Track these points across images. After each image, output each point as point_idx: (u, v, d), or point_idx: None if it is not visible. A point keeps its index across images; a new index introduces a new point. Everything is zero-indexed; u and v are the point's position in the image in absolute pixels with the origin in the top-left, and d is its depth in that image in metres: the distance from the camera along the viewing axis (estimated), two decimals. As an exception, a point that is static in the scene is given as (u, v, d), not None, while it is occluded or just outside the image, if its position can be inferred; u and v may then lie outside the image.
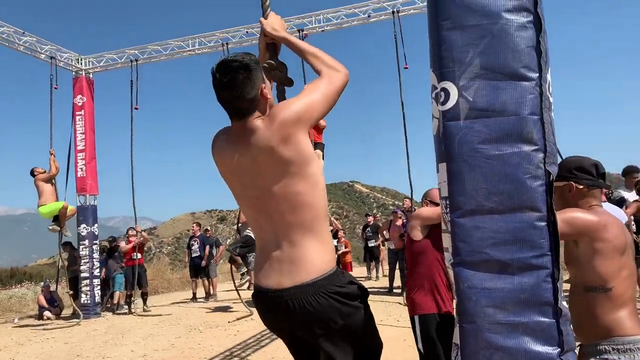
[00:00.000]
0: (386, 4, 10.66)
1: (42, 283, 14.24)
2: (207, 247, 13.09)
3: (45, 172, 10.12)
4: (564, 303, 1.87)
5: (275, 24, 2.21)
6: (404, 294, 8.47)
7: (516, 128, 1.84)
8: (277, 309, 1.96)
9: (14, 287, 19.48)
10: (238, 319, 9.48)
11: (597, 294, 2.19)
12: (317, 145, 9.45)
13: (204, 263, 12.87)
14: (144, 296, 12.05)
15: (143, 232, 12.48)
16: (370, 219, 15.03)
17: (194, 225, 14.03)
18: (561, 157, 2.38)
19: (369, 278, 14.34)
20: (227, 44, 11.16)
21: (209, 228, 16.20)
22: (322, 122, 9.64)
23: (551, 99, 1.92)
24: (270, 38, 2.20)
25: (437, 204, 3.69)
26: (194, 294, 13.17)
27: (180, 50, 11.64)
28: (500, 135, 1.85)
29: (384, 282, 12.45)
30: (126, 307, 11.91)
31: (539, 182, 1.83)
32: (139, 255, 11.89)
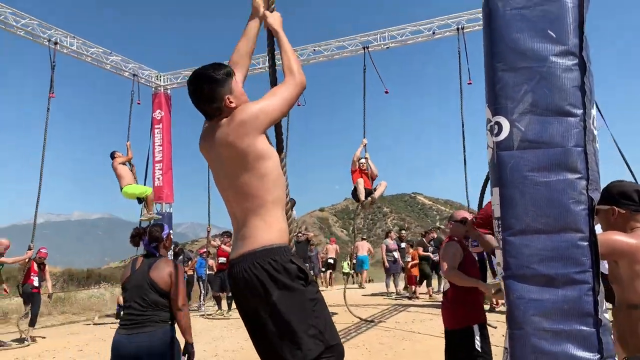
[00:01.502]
0: (450, 20, 10.86)
1: (118, 284, 15.21)
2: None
3: (121, 157, 10.89)
4: (606, 315, 2.09)
5: (278, 19, 2.58)
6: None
7: (562, 158, 2.09)
8: (230, 278, 2.29)
9: (92, 287, 20.78)
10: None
11: (639, 312, 2.37)
12: (368, 191, 9.78)
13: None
14: (217, 300, 12.58)
15: (219, 243, 12.97)
16: (434, 233, 15.09)
17: None
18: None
19: (437, 291, 14.32)
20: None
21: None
22: (374, 171, 9.99)
23: (595, 132, 2.16)
24: (271, 28, 2.57)
25: (460, 221, 4.04)
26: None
27: (252, 68, 12.23)
28: (548, 165, 2.10)
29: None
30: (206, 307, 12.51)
31: (582, 206, 2.07)
32: (223, 260, 12.50)
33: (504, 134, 2.18)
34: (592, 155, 2.11)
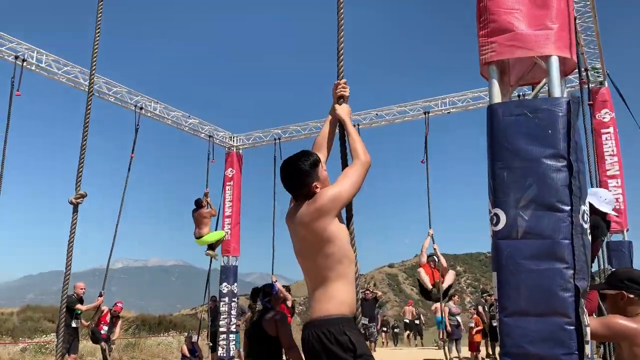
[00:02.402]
0: (433, 102, 11.25)
1: (185, 333, 15.86)
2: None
3: (208, 209, 11.67)
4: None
5: (345, 110, 2.91)
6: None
7: (551, 249, 2.35)
8: (301, 340, 2.56)
9: (161, 334, 21.58)
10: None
11: None
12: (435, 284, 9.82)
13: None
14: None
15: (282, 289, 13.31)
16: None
17: None
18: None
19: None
20: (357, 125, 12.22)
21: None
22: (444, 264, 10.03)
23: (585, 226, 2.40)
24: (339, 118, 2.89)
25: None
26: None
27: (317, 131, 12.90)
28: (539, 254, 2.36)
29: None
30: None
31: (568, 293, 2.30)
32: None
33: (501, 224, 2.47)
34: (581, 247, 2.35)
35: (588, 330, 2.34)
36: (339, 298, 2.48)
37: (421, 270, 9.98)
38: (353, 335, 2.42)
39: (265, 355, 4.46)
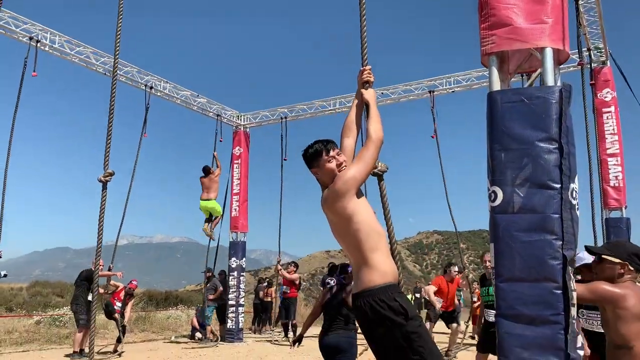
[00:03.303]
0: (437, 81, 11.56)
1: (194, 307, 16.32)
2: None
3: (214, 172, 12.10)
4: (579, 352, 2.57)
5: (371, 94, 3.08)
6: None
7: (542, 222, 2.63)
8: (354, 309, 2.76)
9: (169, 309, 22.09)
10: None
11: (623, 352, 2.80)
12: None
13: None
14: (285, 327, 13.25)
15: (285, 273, 13.61)
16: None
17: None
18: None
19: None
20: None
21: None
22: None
23: (573, 202, 2.68)
24: (365, 101, 3.10)
25: None
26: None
27: (323, 110, 13.14)
28: (531, 227, 2.65)
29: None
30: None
31: (557, 262, 2.59)
32: (287, 290, 13.25)
33: (498, 200, 2.75)
34: (569, 221, 2.63)
35: (574, 294, 2.64)
36: (380, 269, 2.65)
37: (431, 289, 9.90)
38: (402, 300, 2.60)
39: (342, 325, 5.07)
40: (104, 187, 4.18)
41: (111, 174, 4.19)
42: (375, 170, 2.97)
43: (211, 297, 13.02)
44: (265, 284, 16.37)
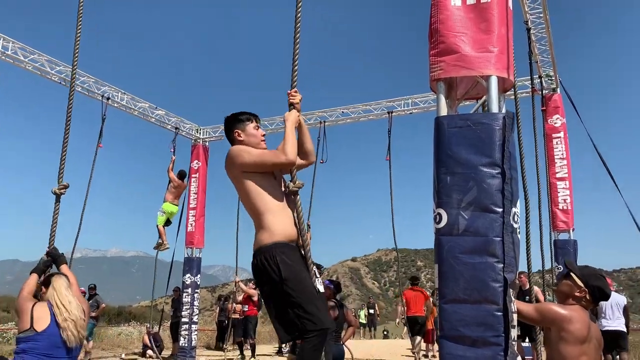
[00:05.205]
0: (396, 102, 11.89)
1: (147, 324, 15.92)
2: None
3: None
4: (517, 372, 2.63)
5: (291, 117, 3.23)
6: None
7: (485, 245, 2.70)
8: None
9: (122, 325, 21.51)
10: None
11: None
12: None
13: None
14: (240, 346, 13.01)
15: (242, 285, 13.44)
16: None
17: None
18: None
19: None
20: (324, 121, 12.54)
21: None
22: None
23: (515, 225, 2.76)
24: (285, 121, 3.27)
25: None
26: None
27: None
28: (474, 249, 2.71)
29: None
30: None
31: (498, 284, 2.65)
32: (246, 307, 13.01)
33: (443, 222, 2.81)
34: (510, 244, 2.71)
35: (514, 316, 2.70)
36: (270, 229, 2.92)
37: (399, 310, 10.91)
38: (281, 260, 2.82)
39: (335, 337, 5.50)
40: (57, 200, 4.06)
41: (66, 187, 4.08)
42: (293, 187, 3.06)
43: (94, 314, 12.58)
44: (223, 300, 16.10)
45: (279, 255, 2.84)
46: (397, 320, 11.30)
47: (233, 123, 3.20)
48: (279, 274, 2.79)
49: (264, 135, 3.24)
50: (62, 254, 3.93)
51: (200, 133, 14.12)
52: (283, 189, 3.09)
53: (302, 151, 3.20)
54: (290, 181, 3.08)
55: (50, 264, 3.85)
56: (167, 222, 11.97)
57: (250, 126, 3.19)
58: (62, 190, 4.04)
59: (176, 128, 13.28)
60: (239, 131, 3.17)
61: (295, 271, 2.83)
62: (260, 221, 2.95)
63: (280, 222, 2.95)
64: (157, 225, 11.76)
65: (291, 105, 3.25)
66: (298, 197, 3.09)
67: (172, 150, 12.95)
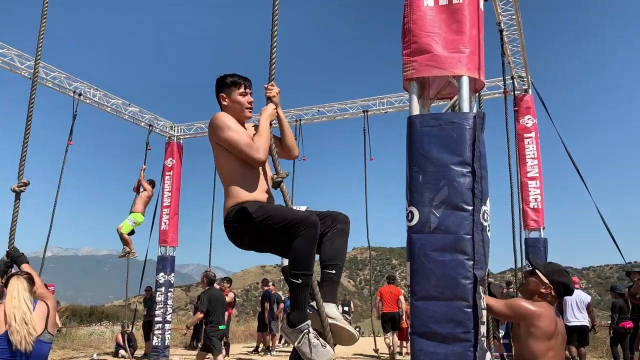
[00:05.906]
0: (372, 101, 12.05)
1: (119, 324, 15.71)
2: (267, 304, 13.96)
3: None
4: (487, 367, 2.68)
5: (266, 111, 3.20)
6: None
7: (455, 243, 2.74)
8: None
9: (93, 325, 21.18)
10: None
11: None
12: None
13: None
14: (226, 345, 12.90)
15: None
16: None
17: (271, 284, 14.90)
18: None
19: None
20: (300, 120, 12.55)
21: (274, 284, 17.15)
22: None
23: (485, 223, 2.80)
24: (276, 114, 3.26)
25: None
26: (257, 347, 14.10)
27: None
28: (445, 247, 2.75)
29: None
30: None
31: (468, 281, 2.70)
32: None
33: (415, 220, 2.84)
34: (480, 242, 2.75)
35: (484, 312, 2.75)
36: (235, 195, 2.94)
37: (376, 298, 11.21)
38: (248, 205, 2.85)
39: None
40: (17, 198, 3.97)
41: (26, 184, 3.98)
42: (277, 178, 3.05)
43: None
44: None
45: (243, 205, 2.87)
46: (377, 315, 11.71)
47: (220, 86, 3.15)
48: (250, 217, 2.80)
49: (250, 102, 3.15)
50: (22, 253, 3.83)
51: (174, 130, 13.98)
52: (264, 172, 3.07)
53: (283, 146, 3.17)
54: (275, 174, 3.06)
55: (11, 264, 3.76)
56: (131, 232, 11.72)
57: (236, 92, 3.10)
58: (22, 188, 3.94)
59: (150, 125, 13.12)
60: (225, 95, 3.13)
61: (264, 206, 2.88)
62: (228, 190, 2.97)
63: (249, 190, 2.96)
64: (122, 233, 11.30)
65: (269, 99, 3.21)
66: (284, 184, 3.08)
67: (149, 148, 12.79)
